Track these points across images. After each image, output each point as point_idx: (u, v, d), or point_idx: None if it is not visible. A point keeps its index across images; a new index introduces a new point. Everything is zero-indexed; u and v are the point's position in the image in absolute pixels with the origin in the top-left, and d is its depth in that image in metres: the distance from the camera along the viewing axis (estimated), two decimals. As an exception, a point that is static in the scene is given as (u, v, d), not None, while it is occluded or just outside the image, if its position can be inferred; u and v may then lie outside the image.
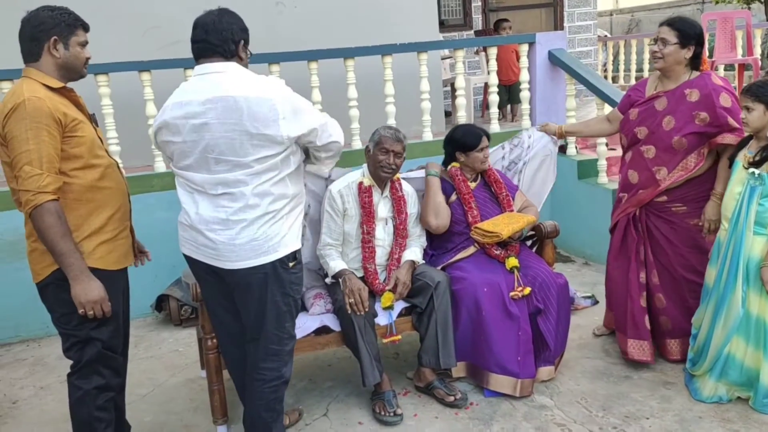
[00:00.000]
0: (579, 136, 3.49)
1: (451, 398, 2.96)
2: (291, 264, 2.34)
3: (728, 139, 2.87)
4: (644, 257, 3.16)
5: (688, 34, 2.96)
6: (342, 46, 4.71)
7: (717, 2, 12.63)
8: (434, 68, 5.48)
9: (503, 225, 3.12)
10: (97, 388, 2.33)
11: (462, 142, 3.30)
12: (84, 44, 2.28)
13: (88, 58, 2.31)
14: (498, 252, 3.17)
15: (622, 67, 9.95)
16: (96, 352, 2.30)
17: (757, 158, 2.66)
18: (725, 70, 8.35)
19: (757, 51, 7.70)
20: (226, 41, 2.24)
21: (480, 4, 8.63)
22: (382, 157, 3.00)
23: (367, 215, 3.05)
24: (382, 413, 2.88)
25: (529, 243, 3.49)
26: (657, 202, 3.10)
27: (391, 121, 4.68)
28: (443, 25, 8.26)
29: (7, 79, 4.00)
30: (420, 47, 4.81)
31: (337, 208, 3.04)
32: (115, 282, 2.33)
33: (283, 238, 2.29)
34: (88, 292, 2.15)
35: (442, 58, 6.70)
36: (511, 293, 2.99)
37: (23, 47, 2.23)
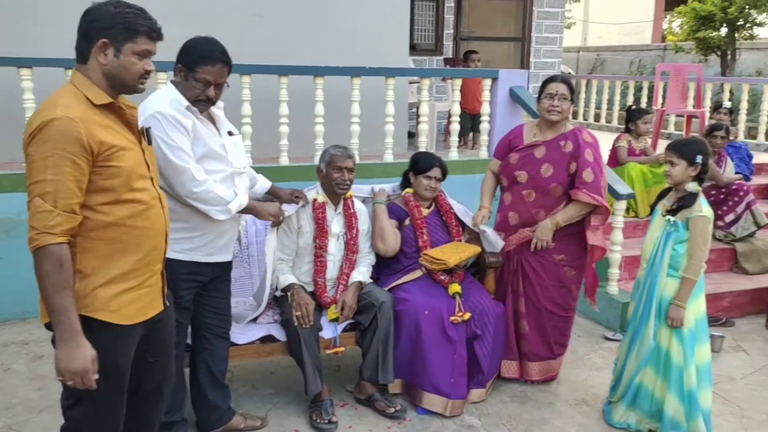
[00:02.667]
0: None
1: (392, 410, 3.13)
2: None
3: (580, 195, 3.22)
4: (517, 288, 3.46)
5: (573, 90, 3.36)
6: (314, 63, 4.86)
7: (677, 51, 13.18)
8: (401, 91, 5.68)
9: (451, 253, 3.30)
10: None
11: (415, 162, 3.50)
12: (144, 54, 1.89)
13: (147, 72, 1.92)
14: (443, 278, 3.35)
15: (582, 104, 10.40)
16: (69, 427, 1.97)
17: (674, 207, 2.93)
18: (676, 117, 8.83)
19: (706, 104, 8.17)
20: (77, 44, 1.91)
21: (452, 31, 8.91)
22: (336, 175, 3.16)
23: (320, 231, 3.19)
24: (318, 420, 3.02)
25: (472, 271, 3.69)
26: (530, 239, 3.37)
27: (354, 141, 4.85)
28: (415, 49, 8.49)
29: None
30: (388, 72, 5.00)
31: (291, 225, 3.17)
32: (130, 336, 1.96)
33: None
34: (71, 361, 1.77)
35: (410, 82, 6.91)
36: (452, 317, 3.17)
37: (77, 42, 1.89)
